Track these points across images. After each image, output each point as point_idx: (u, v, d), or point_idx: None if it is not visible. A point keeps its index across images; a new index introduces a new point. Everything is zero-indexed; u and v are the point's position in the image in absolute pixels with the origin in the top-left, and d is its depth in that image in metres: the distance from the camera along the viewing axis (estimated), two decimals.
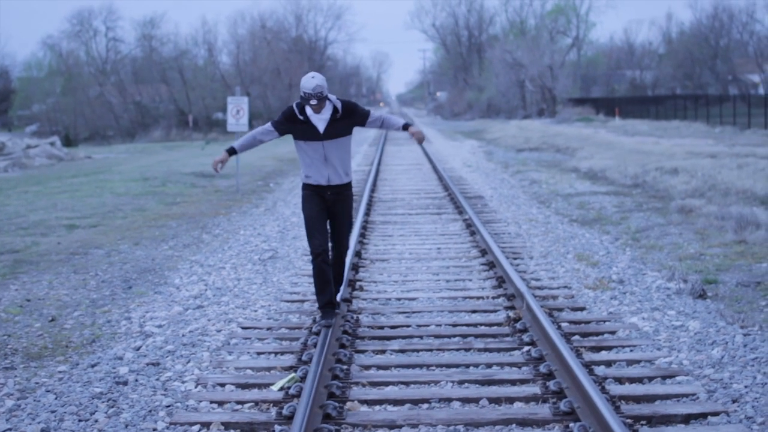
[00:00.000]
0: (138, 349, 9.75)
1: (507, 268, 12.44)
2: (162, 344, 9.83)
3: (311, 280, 13.14)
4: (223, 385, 8.41)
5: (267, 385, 8.33)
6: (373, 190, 24.17)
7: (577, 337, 9.83)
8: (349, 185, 10.00)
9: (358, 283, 12.69)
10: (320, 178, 9.74)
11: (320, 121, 9.59)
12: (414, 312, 11.13)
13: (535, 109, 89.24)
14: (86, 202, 24.28)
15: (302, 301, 11.85)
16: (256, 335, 10.20)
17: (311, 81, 9.22)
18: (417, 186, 26.60)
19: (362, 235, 16.51)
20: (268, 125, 9.86)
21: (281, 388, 8.17)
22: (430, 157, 36.87)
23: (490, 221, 18.19)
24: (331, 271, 9.90)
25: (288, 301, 11.88)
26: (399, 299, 11.88)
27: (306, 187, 9.86)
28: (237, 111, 27.00)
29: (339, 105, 9.64)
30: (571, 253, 14.76)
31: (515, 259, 14.17)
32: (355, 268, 13.55)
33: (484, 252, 14.71)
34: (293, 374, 8.42)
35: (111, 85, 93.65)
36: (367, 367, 8.89)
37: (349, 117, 9.72)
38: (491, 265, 13.62)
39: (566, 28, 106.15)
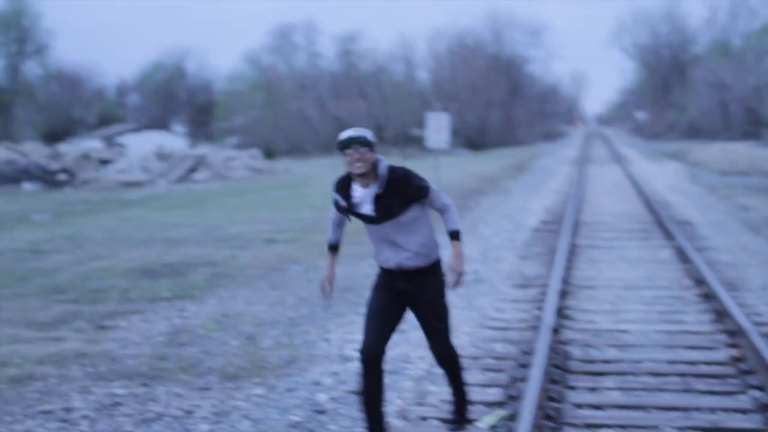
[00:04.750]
0: (336, 374, 9.33)
1: (725, 300, 11.64)
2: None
3: (516, 305, 12.59)
4: (426, 419, 7.89)
5: (472, 421, 7.78)
6: (576, 212, 23.39)
7: None
8: (432, 269, 7.23)
9: (565, 311, 12.02)
10: (388, 262, 7.17)
11: (366, 202, 7.05)
12: (627, 345, 10.41)
13: (739, 132, 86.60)
14: (285, 216, 24.22)
15: (507, 329, 11.26)
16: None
17: (350, 130, 6.94)
18: (621, 208, 25.70)
19: (568, 260, 15.81)
20: (331, 211, 7.47)
21: (489, 426, 7.62)
22: (633, 179, 35.88)
23: (701, 248, 17.26)
24: (382, 387, 7.16)
25: (492, 328, 11.31)
26: (610, 331, 11.16)
27: (380, 271, 7.37)
28: (437, 127, 26.61)
29: (385, 174, 7.00)
30: None
31: (731, 290, 13.26)
32: (563, 294, 12.87)
33: (698, 282, 13.88)
34: (501, 411, 7.86)
35: (310, 99, 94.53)
36: (581, 406, 8.26)
37: (399, 191, 6.99)
38: (707, 296, 12.80)
39: None
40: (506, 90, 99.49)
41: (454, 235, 7.17)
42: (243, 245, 18.64)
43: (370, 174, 6.97)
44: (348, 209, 7.10)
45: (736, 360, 9.63)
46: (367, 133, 6.87)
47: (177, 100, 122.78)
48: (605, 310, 12.35)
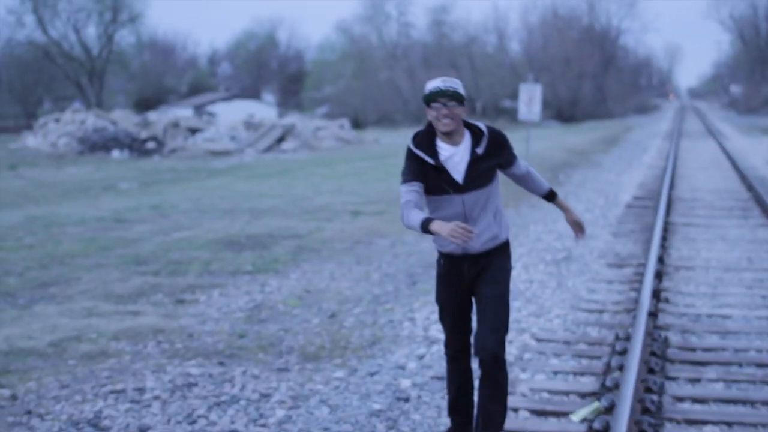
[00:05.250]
0: (422, 357, 8.87)
1: None
2: None
3: (610, 286, 12.04)
4: (516, 410, 7.40)
5: (566, 414, 7.29)
6: (671, 188, 22.66)
7: None
8: (501, 248, 6.31)
9: (663, 294, 11.42)
10: (451, 245, 6.16)
11: (458, 163, 6.06)
12: (729, 332, 9.80)
13: None
14: (372, 188, 23.83)
15: (601, 311, 10.70)
16: (552, 350, 9.11)
17: (438, 80, 6.05)
18: (717, 185, 24.90)
19: (663, 238, 15.19)
20: (404, 187, 6.05)
21: (583, 420, 7.13)
22: (729, 154, 34.95)
23: None
24: (471, 379, 6.63)
25: (585, 311, 10.76)
26: (710, 316, 10.54)
27: (440, 258, 6.41)
28: (529, 99, 26.03)
29: (485, 131, 6.14)
30: None
31: None
32: (659, 275, 12.26)
33: None
34: (597, 403, 7.35)
35: (401, 69, 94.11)
36: (681, 399, 7.70)
37: (497, 153, 6.18)
38: None
39: None
40: (599, 62, 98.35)
41: (552, 195, 6.63)
42: (329, 217, 18.27)
43: (458, 132, 6.08)
44: (437, 168, 5.98)
45: None
46: (458, 85, 5.98)
47: (268, 69, 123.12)
48: (704, 293, 11.73)
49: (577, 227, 6.69)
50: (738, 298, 11.46)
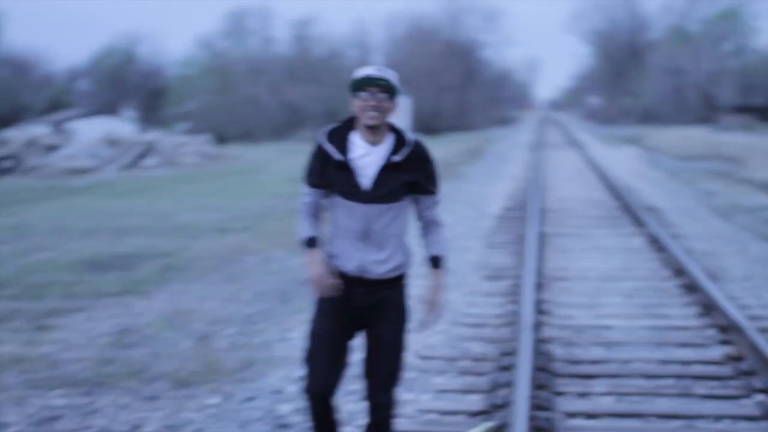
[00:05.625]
0: (300, 381, 8.46)
1: (713, 293, 10.90)
2: None
3: (489, 299, 11.77)
4: None
5: None
6: (540, 198, 22.60)
7: None
8: (398, 281, 5.62)
9: (542, 305, 11.17)
10: (348, 262, 5.49)
11: (368, 165, 5.41)
12: (613, 343, 9.61)
13: (694, 117, 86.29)
14: (237, 204, 23.31)
15: (482, 325, 10.42)
16: (436, 368, 8.78)
17: (370, 67, 5.43)
18: (585, 194, 24.95)
19: (538, 249, 15.00)
20: (303, 189, 5.67)
21: None
22: (593, 163, 35.24)
23: (673, 236, 16.49)
24: (337, 424, 5.70)
25: (466, 325, 10.44)
26: (592, 327, 10.34)
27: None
28: (398, 112, 25.77)
29: (409, 140, 5.49)
30: None
31: (713, 281, 12.45)
32: (538, 287, 12.04)
33: (678, 272, 13.13)
34: (488, 423, 7.03)
35: (263, 84, 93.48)
36: (573, 415, 7.43)
37: (416, 168, 5.49)
38: (690, 288, 12.03)
39: (730, 34, 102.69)
40: (461, 75, 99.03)
41: (437, 262, 5.66)
42: (195, 235, 17.73)
43: (381, 129, 5.41)
44: (342, 166, 5.38)
45: (734, 359, 8.85)
46: (392, 75, 5.35)
47: (128, 85, 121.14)
48: (584, 303, 11.55)
49: (429, 309, 5.66)
50: (618, 308, 11.31)
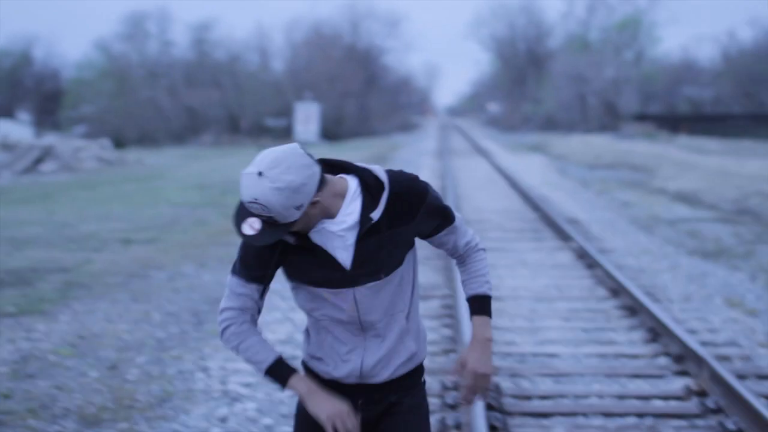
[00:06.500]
0: (224, 420, 7.57)
1: (658, 315, 10.24)
2: (255, 415, 7.62)
3: (433, 322, 10.93)
4: None
5: None
6: (455, 209, 21.85)
7: None
8: (413, 379, 4.05)
9: None
10: (339, 367, 3.93)
11: (341, 236, 3.73)
12: (562, 375, 8.84)
13: (596, 124, 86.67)
14: (141, 212, 22.28)
15: (431, 355, 9.60)
16: None
17: (247, 186, 3.48)
18: (501, 205, 24.29)
19: None
20: (231, 281, 3.88)
21: None
22: (504, 173, 34.65)
23: (601, 251, 15.88)
24: None
25: None
26: (536, 355, 9.59)
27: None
28: (306, 118, 24.94)
29: (385, 183, 3.78)
30: (717, 297, 12.42)
31: (654, 302, 11.75)
32: None
33: (614, 291, 12.45)
34: None
35: (162, 88, 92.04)
36: None
37: (407, 216, 3.81)
38: (631, 310, 11.36)
39: (631, 42, 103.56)
40: (362, 81, 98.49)
41: (482, 305, 4.08)
42: (98, 247, 16.70)
43: (327, 206, 3.68)
44: (306, 248, 3.72)
45: (696, 394, 8.14)
46: (273, 212, 3.46)
47: (23, 87, 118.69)
48: (523, 327, 10.78)
49: (468, 380, 3.98)
50: (559, 332, 10.57)
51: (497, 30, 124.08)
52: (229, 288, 3.86)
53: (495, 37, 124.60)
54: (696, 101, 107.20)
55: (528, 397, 8.14)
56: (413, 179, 3.83)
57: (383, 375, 3.89)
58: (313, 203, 3.54)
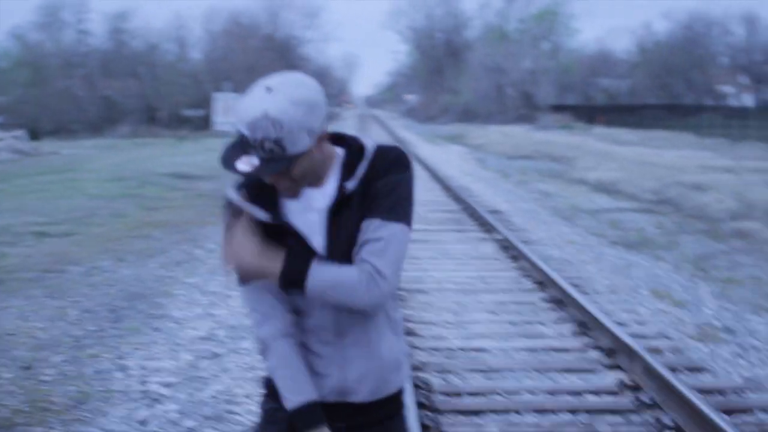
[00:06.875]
0: (144, 423, 7.26)
1: (587, 307, 10.11)
2: (177, 417, 7.31)
3: None
4: None
5: None
6: None
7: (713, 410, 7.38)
8: (396, 403, 3.39)
9: (407, 324, 10.16)
10: (321, 383, 3.22)
11: (315, 218, 3.15)
12: (492, 371, 8.63)
13: (514, 115, 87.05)
14: (57, 205, 21.75)
15: None
16: None
17: (252, 104, 2.91)
18: (422, 197, 24.06)
19: None
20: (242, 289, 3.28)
21: None
22: (423, 163, 34.50)
23: (524, 242, 15.74)
24: None
25: None
26: (464, 349, 9.38)
27: (269, 413, 3.35)
28: (225, 108, 24.60)
29: (367, 150, 3.22)
30: (643, 288, 12.34)
31: (581, 294, 11.60)
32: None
33: (540, 284, 12.31)
34: None
35: (79, 78, 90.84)
36: None
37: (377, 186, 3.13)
38: (558, 302, 11.21)
39: (548, 34, 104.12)
40: (281, 71, 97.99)
41: None
42: (11, 241, 16.23)
43: (308, 182, 3.12)
44: (279, 229, 3.10)
45: (630, 388, 7.99)
46: (285, 131, 2.87)
47: None
48: (449, 321, 10.57)
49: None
50: (486, 326, 10.38)
51: (415, 20, 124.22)
52: (243, 294, 3.29)
53: (413, 28, 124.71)
54: (612, 92, 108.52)
55: (459, 394, 7.93)
56: (399, 152, 3.20)
57: (362, 392, 3.23)
58: (319, 141, 3.02)
